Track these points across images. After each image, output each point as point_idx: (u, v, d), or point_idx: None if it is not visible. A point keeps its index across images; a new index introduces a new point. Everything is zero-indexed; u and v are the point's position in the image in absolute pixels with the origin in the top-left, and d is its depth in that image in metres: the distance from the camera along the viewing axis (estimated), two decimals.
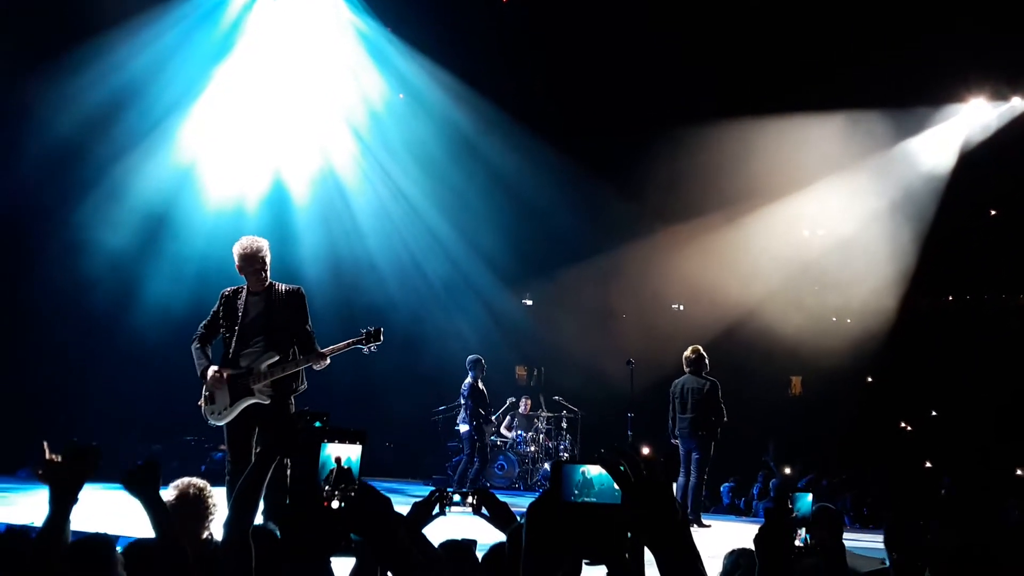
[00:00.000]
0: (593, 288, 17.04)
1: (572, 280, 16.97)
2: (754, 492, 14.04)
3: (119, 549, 3.72)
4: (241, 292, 7.04)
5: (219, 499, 4.70)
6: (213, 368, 6.88)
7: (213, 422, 6.91)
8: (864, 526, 12.59)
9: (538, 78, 15.20)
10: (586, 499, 2.15)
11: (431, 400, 15.38)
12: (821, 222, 17.19)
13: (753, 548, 2.85)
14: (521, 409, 15.72)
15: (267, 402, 6.86)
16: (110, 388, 13.72)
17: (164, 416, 13.92)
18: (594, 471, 2.19)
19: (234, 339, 6.92)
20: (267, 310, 6.98)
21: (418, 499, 3.87)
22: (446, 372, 14.46)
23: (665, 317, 17.67)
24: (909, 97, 15.38)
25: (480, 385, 12.80)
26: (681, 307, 18.24)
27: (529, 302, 18.62)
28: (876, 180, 16.08)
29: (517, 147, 15.62)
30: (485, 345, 15.68)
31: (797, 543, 3.37)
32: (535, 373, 18.07)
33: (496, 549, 3.76)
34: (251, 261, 6.95)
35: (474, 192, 16.14)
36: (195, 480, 4.65)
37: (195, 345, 7.06)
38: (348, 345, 7.20)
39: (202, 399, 6.91)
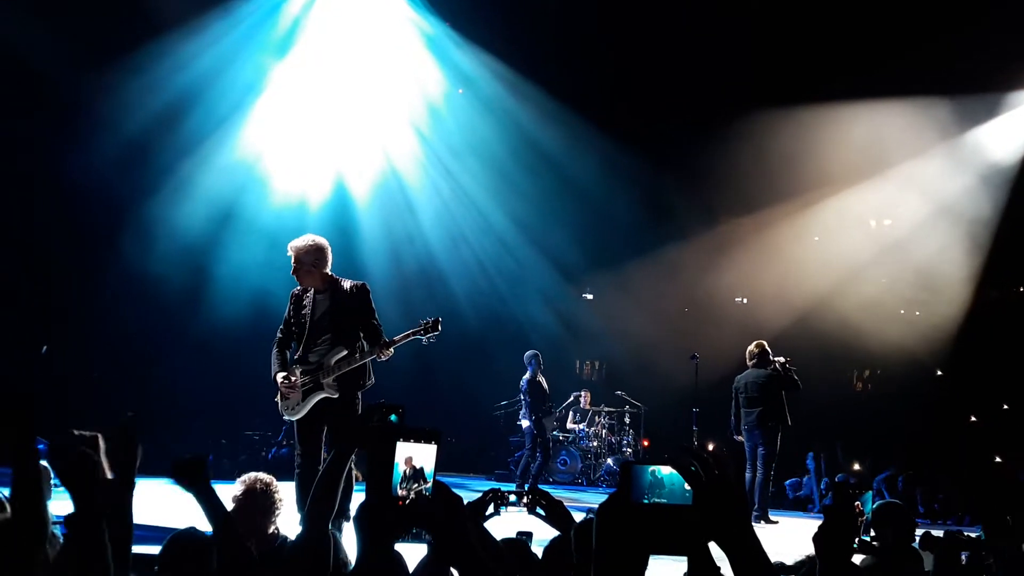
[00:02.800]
0: (655, 282, 16.89)
1: (634, 274, 16.85)
2: (817, 487, 13.84)
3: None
4: (308, 291, 7.14)
5: (285, 494, 4.74)
6: (281, 374, 7.04)
7: (287, 417, 7.14)
8: (934, 521, 12.36)
9: (598, 70, 15.08)
10: (656, 500, 2.13)
11: (493, 395, 15.40)
12: (888, 212, 16.86)
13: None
14: (581, 403, 15.65)
15: (335, 396, 6.96)
16: (177, 382, 13.98)
17: (229, 410, 14.15)
18: (664, 471, 2.17)
19: (304, 337, 7.06)
20: (333, 307, 7.07)
21: (475, 496, 3.85)
22: (508, 367, 14.45)
23: (729, 311, 17.47)
24: (976, 83, 14.98)
25: (540, 379, 12.74)
26: (745, 300, 18.02)
27: (590, 296, 18.53)
28: (944, 169, 15.70)
29: (578, 141, 15.53)
30: (547, 340, 15.67)
31: (858, 541, 3.29)
32: (596, 367, 18.00)
33: (555, 544, 3.72)
34: (312, 259, 7.06)
35: (534, 187, 16.09)
36: (262, 475, 4.70)
37: (273, 350, 7.23)
38: (408, 336, 7.21)
39: (277, 395, 7.10)
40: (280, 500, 4.67)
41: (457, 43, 15.11)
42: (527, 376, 12.73)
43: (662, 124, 15.55)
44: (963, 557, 4.69)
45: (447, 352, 14.53)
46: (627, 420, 15.62)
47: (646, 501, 2.12)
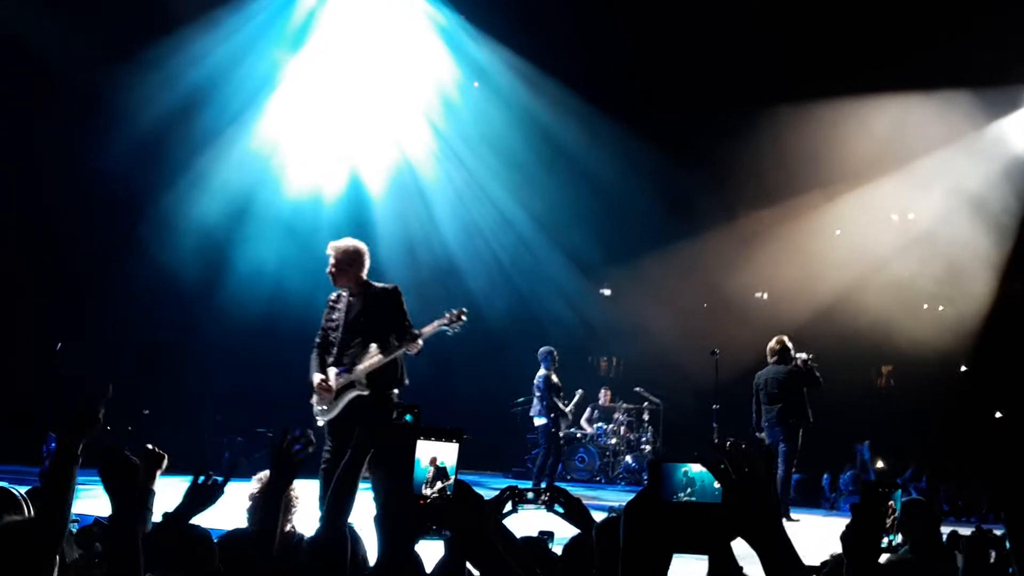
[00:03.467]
0: (674, 277, 16.77)
1: (652, 269, 16.72)
2: (840, 485, 13.71)
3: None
4: (343, 295, 7.36)
5: (302, 492, 4.69)
6: (319, 376, 7.22)
7: (321, 419, 7.25)
8: (958, 519, 12.23)
9: (616, 63, 14.98)
10: (686, 497, 2.10)
11: (509, 392, 15.30)
12: (910, 206, 16.69)
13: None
14: (600, 400, 15.55)
15: (366, 393, 7.09)
16: (192, 378, 13.99)
17: (243, 406, 14.13)
18: (695, 470, 2.17)
19: (339, 340, 7.26)
20: (365, 309, 7.26)
21: (493, 494, 3.80)
22: (525, 363, 14.37)
23: (748, 306, 17.33)
24: (999, 75, 14.83)
25: (554, 377, 12.65)
26: (765, 295, 17.88)
27: (607, 292, 18.43)
28: (967, 162, 15.56)
29: (596, 135, 15.45)
30: (564, 336, 15.57)
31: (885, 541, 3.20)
32: (614, 364, 17.91)
33: (575, 543, 3.65)
34: (350, 261, 7.24)
35: (551, 181, 16.02)
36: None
37: (312, 353, 7.40)
38: (435, 327, 7.38)
39: (313, 397, 7.27)
40: (297, 498, 4.64)
41: (472, 36, 15.05)
42: (542, 373, 12.63)
43: (681, 118, 15.45)
44: (992, 555, 4.59)
45: (463, 349, 14.46)
46: (646, 417, 15.51)
47: (676, 499, 2.10)
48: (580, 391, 14.48)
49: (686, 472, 2.17)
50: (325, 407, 7.19)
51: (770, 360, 10.84)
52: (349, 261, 7.21)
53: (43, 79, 12.61)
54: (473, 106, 15.66)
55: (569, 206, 16.30)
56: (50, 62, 12.27)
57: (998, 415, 17.34)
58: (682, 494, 2.11)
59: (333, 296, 7.41)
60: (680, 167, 15.94)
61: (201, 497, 3.44)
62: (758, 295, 17.99)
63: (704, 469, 2.16)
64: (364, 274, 7.31)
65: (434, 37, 15.12)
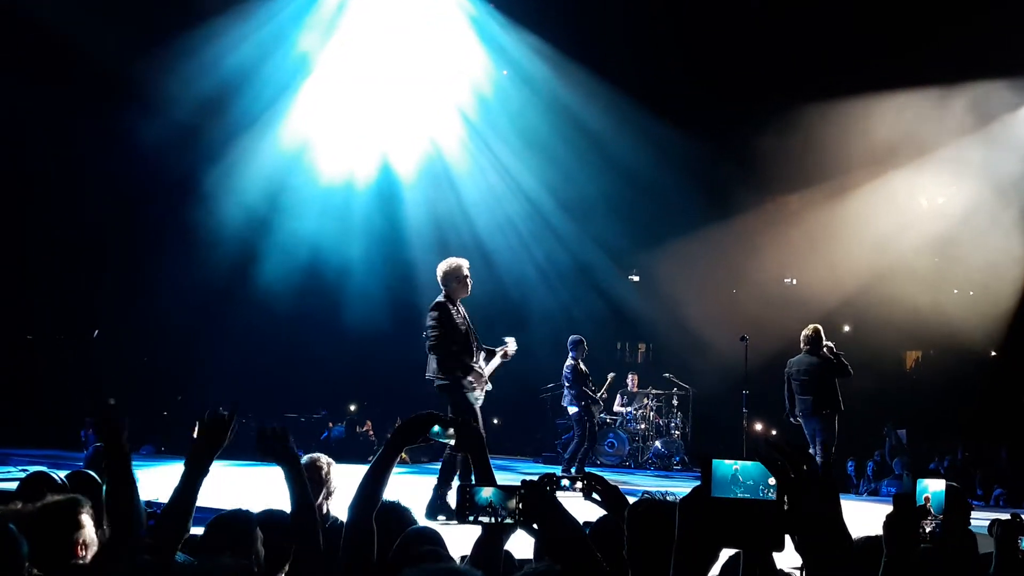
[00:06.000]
0: (702, 263, 16.76)
1: (681, 255, 16.70)
2: (868, 471, 13.68)
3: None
4: (455, 306, 8.25)
5: (339, 476, 4.77)
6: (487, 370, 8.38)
7: (475, 403, 8.20)
8: (987, 504, 12.19)
9: (645, 50, 14.91)
10: (741, 494, 2.13)
11: (539, 378, 15.35)
12: (940, 191, 16.55)
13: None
14: (629, 386, 15.57)
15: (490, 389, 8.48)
16: (223, 365, 14.13)
17: (274, 391, 14.28)
18: (745, 466, 2.16)
19: (470, 344, 8.22)
20: (468, 317, 8.37)
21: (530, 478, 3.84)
22: (555, 350, 14.42)
23: (777, 291, 17.28)
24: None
25: (582, 366, 12.72)
26: (794, 281, 17.80)
27: (636, 278, 18.42)
28: (997, 148, 15.40)
29: (624, 121, 15.37)
30: (593, 322, 15.60)
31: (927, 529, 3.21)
32: (643, 350, 17.91)
33: (604, 525, 3.68)
34: (464, 277, 8.28)
35: (580, 168, 16.00)
36: (323, 456, 4.77)
37: (463, 356, 8.16)
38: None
39: (476, 389, 8.21)
40: (330, 480, 4.71)
41: (501, 24, 15.02)
42: (570, 362, 12.70)
43: (710, 104, 15.37)
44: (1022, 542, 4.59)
45: (492, 335, 14.52)
46: (675, 402, 15.51)
47: (728, 495, 2.13)
48: (612, 374, 14.52)
49: (734, 467, 2.21)
50: (478, 400, 8.21)
51: (803, 347, 10.79)
52: (461, 275, 8.26)
53: (80, 68, 12.73)
54: (503, 94, 15.65)
55: (597, 193, 16.28)
56: (87, 52, 12.39)
57: None
58: (735, 490, 2.14)
59: (448, 306, 8.19)
60: (709, 153, 15.90)
61: (214, 435, 3.21)
62: (787, 281, 17.92)
63: (754, 465, 2.17)
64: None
65: (463, 25, 15.10)
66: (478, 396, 8.25)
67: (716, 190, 16.52)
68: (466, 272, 8.31)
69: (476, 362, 8.26)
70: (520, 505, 2.73)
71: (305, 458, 4.74)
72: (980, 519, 5.76)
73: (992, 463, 13.33)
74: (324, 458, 4.75)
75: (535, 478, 3.05)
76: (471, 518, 2.85)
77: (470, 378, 8.16)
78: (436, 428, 3.16)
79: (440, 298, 8.21)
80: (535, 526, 2.76)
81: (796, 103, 14.75)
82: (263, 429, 3.27)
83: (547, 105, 15.50)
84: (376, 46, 14.81)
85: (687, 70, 15.05)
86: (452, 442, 3.19)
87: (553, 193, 16.39)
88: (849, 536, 2.00)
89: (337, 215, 15.29)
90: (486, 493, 2.82)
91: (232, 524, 3.63)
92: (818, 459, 10.27)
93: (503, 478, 3.50)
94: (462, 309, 8.31)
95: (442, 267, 8.36)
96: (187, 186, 14.10)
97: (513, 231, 16.65)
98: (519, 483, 2.80)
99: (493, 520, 2.81)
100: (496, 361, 8.51)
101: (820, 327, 10.75)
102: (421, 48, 15.03)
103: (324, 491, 4.68)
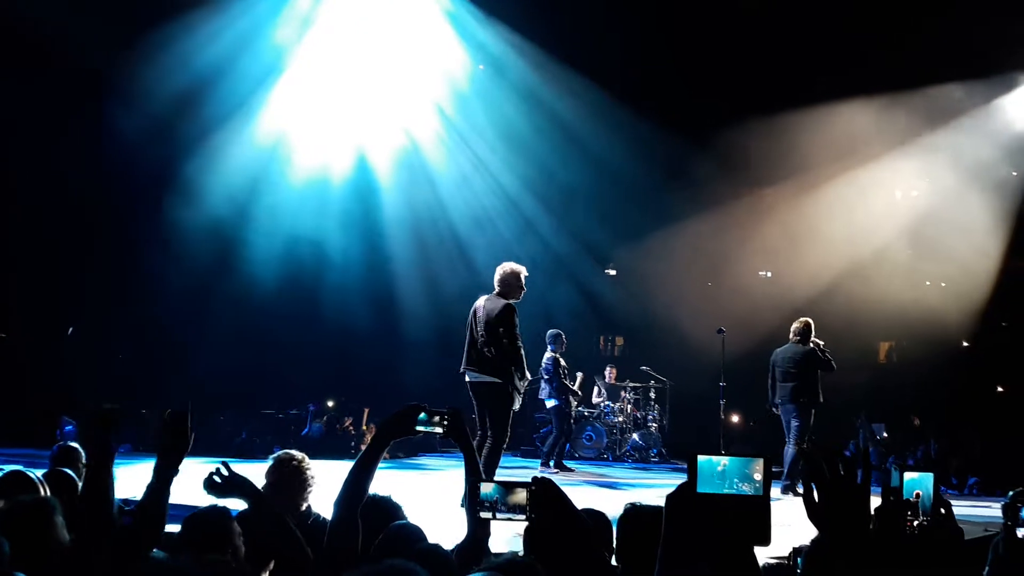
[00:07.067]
0: (678, 257, 16.82)
1: (657, 249, 16.76)
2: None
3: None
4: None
5: (317, 471, 4.77)
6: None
7: (516, 407, 8.51)
8: (961, 492, 12.35)
9: (620, 42, 14.93)
10: (723, 490, 2.16)
11: None
12: (913, 184, 16.70)
13: None
14: (607, 379, 15.63)
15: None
16: (201, 361, 14.05)
17: (256, 387, 14.22)
18: (729, 462, 2.20)
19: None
20: None
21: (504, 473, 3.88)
22: (533, 344, 14.45)
23: (753, 284, 17.39)
24: (1001, 64, 14.90)
25: (561, 359, 12.82)
26: (769, 274, 17.90)
27: (613, 272, 18.46)
28: (970, 139, 15.56)
29: (601, 116, 15.39)
30: (571, 316, 15.63)
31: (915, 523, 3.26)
32: (621, 343, 17.98)
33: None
34: (522, 283, 8.65)
35: (557, 163, 16.03)
36: (294, 452, 4.75)
37: (523, 366, 8.51)
38: None
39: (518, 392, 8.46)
40: (312, 477, 4.71)
41: (478, 18, 14.99)
42: (549, 355, 12.79)
43: (687, 98, 15.40)
44: None
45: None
46: (652, 395, 15.59)
47: (713, 491, 2.16)
48: (580, 373, 14.55)
49: (720, 464, 2.24)
50: (520, 402, 8.53)
51: (792, 339, 10.96)
52: (520, 281, 8.64)
53: (55, 62, 12.60)
54: (479, 89, 15.65)
55: (574, 187, 16.33)
56: (62, 46, 12.26)
57: (999, 390, 17.43)
58: (723, 485, 2.17)
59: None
60: (684, 147, 15.92)
61: (174, 435, 3.19)
62: (762, 274, 18.02)
63: (736, 461, 2.24)
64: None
65: (439, 19, 15.08)
66: (519, 401, 8.52)
67: (692, 184, 16.57)
68: (524, 279, 8.67)
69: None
70: (531, 500, 2.74)
71: (289, 452, 4.74)
72: (955, 508, 5.85)
73: (966, 452, 13.47)
74: (296, 454, 4.74)
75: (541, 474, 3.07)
76: (480, 513, 2.86)
77: (522, 384, 8.47)
78: (423, 417, 3.16)
79: (507, 300, 8.48)
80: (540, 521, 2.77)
81: (772, 98, 14.82)
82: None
83: (524, 99, 15.50)
84: (352, 40, 14.77)
85: (663, 65, 15.06)
86: (440, 431, 3.20)
87: (530, 187, 16.41)
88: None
89: (314, 209, 15.24)
90: (487, 489, 2.83)
91: (208, 521, 3.63)
92: (791, 446, 10.45)
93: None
94: None
95: (505, 269, 8.63)
96: (164, 181, 14.01)
97: (490, 225, 16.65)
98: (529, 479, 2.80)
99: (492, 516, 2.83)
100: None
101: (811, 321, 10.96)
102: (397, 42, 14.99)
103: (304, 487, 4.67)
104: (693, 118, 15.71)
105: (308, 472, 4.69)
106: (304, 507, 4.67)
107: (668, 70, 15.14)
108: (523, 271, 8.67)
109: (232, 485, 3.63)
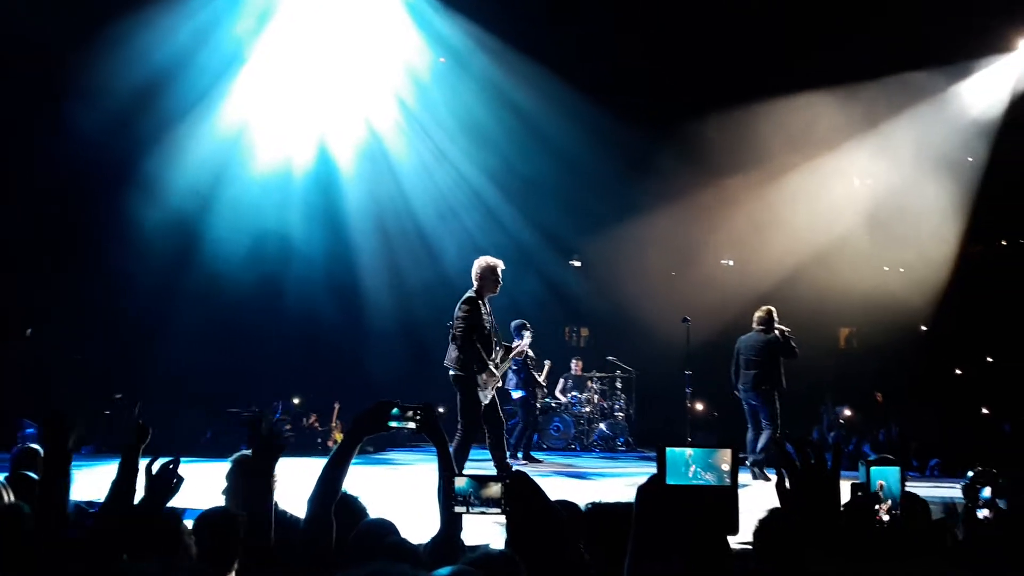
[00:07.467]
0: (642, 247, 16.89)
1: (621, 240, 16.81)
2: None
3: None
4: (483, 303, 8.73)
5: (284, 469, 4.71)
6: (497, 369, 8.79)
7: (484, 402, 8.69)
8: (922, 474, 12.54)
9: (580, 33, 14.93)
10: (691, 480, 2.18)
11: None
12: (872, 171, 16.89)
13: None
14: (573, 370, 15.69)
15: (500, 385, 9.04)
16: (164, 360, 13.94)
17: (219, 385, 14.10)
18: (697, 453, 2.22)
19: (491, 342, 8.77)
20: (492, 316, 8.88)
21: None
22: (505, 337, 14.47)
23: (716, 273, 17.52)
24: (956, 53, 15.09)
25: (529, 351, 12.83)
26: (731, 263, 18.04)
27: (577, 264, 18.51)
28: (926, 127, 15.76)
29: (561, 106, 15.39)
30: (536, 308, 15.64)
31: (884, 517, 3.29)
32: (586, 334, 18.04)
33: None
34: (498, 276, 8.79)
35: (520, 155, 16.01)
36: (248, 451, 4.70)
37: (479, 348, 8.60)
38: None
39: (486, 384, 8.68)
40: (275, 477, 4.65)
41: (437, 9, 14.93)
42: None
43: (648, 89, 15.46)
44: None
45: (437, 323, 14.50)
46: (619, 385, 15.68)
47: (682, 481, 2.18)
48: (547, 362, 14.60)
49: (688, 455, 2.26)
50: (487, 395, 8.68)
51: (755, 327, 11.07)
52: (495, 276, 8.80)
53: (10, 60, 12.40)
54: (441, 81, 15.59)
55: (537, 179, 16.32)
56: (16, 44, 12.07)
57: (958, 372, 17.71)
58: (690, 475, 2.20)
59: (478, 301, 8.69)
60: (647, 138, 15.96)
61: (159, 487, 3.32)
62: (725, 262, 18.16)
63: (704, 451, 2.27)
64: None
65: (399, 11, 15.00)
66: (487, 394, 8.67)
67: (655, 175, 16.63)
68: (500, 272, 8.80)
69: (494, 360, 8.70)
70: (506, 494, 2.75)
71: (237, 456, 4.71)
72: (916, 489, 5.96)
73: (926, 434, 13.67)
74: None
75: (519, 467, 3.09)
76: (456, 508, 2.88)
77: (484, 376, 8.57)
78: (396, 413, 3.17)
79: (471, 293, 8.67)
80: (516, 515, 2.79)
81: (733, 89, 14.93)
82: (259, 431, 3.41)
83: (485, 91, 15.46)
84: (312, 31, 14.65)
85: (624, 56, 15.10)
86: (413, 426, 3.20)
87: (494, 179, 16.39)
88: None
89: (277, 202, 15.14)
90: (460, 483, 2.85)
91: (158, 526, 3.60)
92: (766, 432, 10.59)
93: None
94: (488, 307, 8.79)
95: (479, 264, 8.84)
96: (125, 177, 13.84)
97: (453, 217, 16.63)
98: (498, 473, 2.83)
99: (466, 510, 2.84)
100: (508, 358, 9.17)
101: (773, 309, 11.07)
102: (357, 34, 14.89)
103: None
104: (655, 109, 15.77)
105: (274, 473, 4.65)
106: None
107: (629, 62, 15.17)
108: (499, 264, 8.80)
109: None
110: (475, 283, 8.77)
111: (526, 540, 2.68)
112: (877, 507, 3.13)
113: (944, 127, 15.81)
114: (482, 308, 8.67)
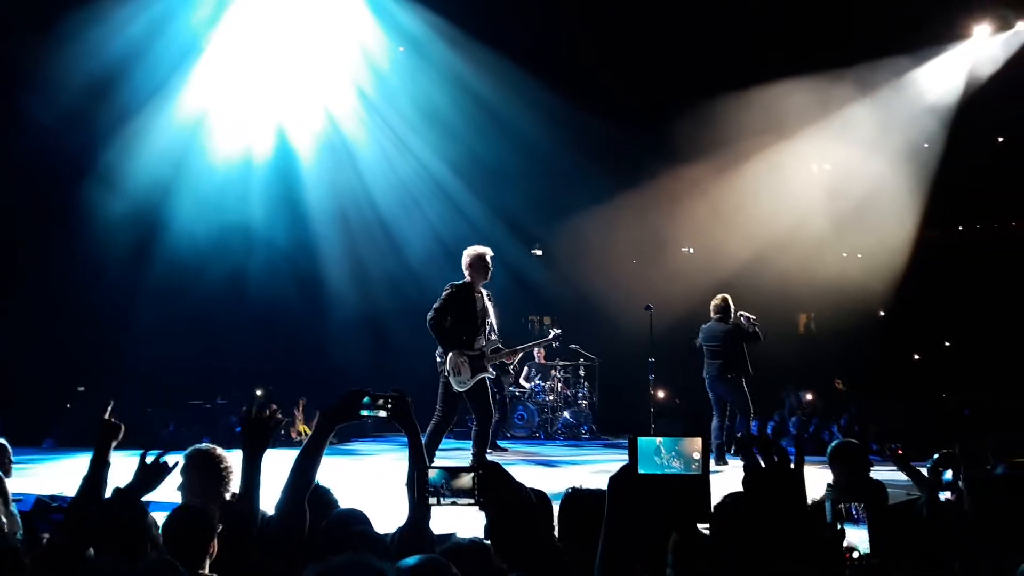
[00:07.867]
0: (603, 235, 16.93)
1: (583, 229, 16.84)
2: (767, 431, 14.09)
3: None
4: (469, 288, 8.84)
5: (232, 460, 4.70)
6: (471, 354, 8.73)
7: (458, 388, 8.69)
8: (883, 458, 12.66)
9: (541, 21, 14.95)
10: (663, 468, 2.21)
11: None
12: (829, 157, 17.05)
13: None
14: (536, 359, 15.73)
15: (493, 375, 9.08)
16: (126, 352, 13.81)
17: (181, 378, 14.00)
18: (668, 442, 2.25)
19: (475, 330, 8.80)
20: (486, 305, 8.98)
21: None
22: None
23: (676, 261, 17.61)
24: (913, 38, 15.26)
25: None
26: (691, 250, 18.15)
27: (539, 253, 18.52)
28: (882, 113, 15.93)
29: (521, 95, 15.36)
30: (499, 296, 15.59)
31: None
32: (549, 323, 18.06)
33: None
34: (486, 264, 8.92)
35: (481, 144, 15.96)
36: (200, 445, 4.72)
37: (451, 341, 8.69)
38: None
39: (449, 371, 8.67)
40: (228, 467, 4.63)
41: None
42: None
43: (609, 79, 15.48)
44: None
45: (400, 312, 14.49)
46: (582, 373, 15.72)
47: (653, 470, 2.21)
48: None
49: (659, 444, 2.28)
50: (463, 381, 8.66)
51: (713, 317, 11.15)
52: (485, 264, 8.96)
53: None
54: (400, 70, 15.53)
55: (499, 168, 16.30)
56: None
57: (916, 357, 17.96)
58: (661, 464, 2.22)
59: (457, 286, 8.82)
60: (607, 127, 15.98)
61: (151, 476, 3.49)
62: (685, 250, 18.27)
63: (674, 440, 2.32)
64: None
65: (358, 0, 14.93)
66: (463, 381, 8.69)
67: (614, 163, 16.69)
68: (489, 260, 8.96)
69: (475, 349, 8.72)
70: (479, 484, 2.77)
71: (199, 447, 4.68)
72: (877, 473, 6.05)
73: (886, 419, 13.84)
74: (202, 446, 4.67)
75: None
76: (433, 500, 2.88)
77: (453, 357, 8.64)
78: (367, 401, 3.17)
79: (460, 281, 8.89)
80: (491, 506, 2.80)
81: (694, 78, 15.00)
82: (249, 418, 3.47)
83: (446, 80, 15.41)
84: (270, 20, 14.54)
85: (585, 45, 15.14)
86: (384, 415, 3.20)
87: (455, 168, 16.34)
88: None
89: (238, 193, 15.00)
90: (431, 474, 2.85)
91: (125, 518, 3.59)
92: (738, 419, 10.69)
93: None
94: (484, 295, 8.99)
95: (468, 253, 9.00)
96: (82, 168, 13.66)
97: (415, 206, 16.58)
98: (470, 464, 2.84)
99: (437, 501, 2.85)
100: (504, 353, 9.24)
101: (729, 296, 11.15)
102: (315, 23, 14.80)
103: (223, 479, 4.62)
104: (617, 98, 15.80)
105: (223, 463, 4.63)
106: (228, 497, 4.62)
107: (590, 50, 15.20)
108: (487, 252, 8.99)
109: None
110: (465, 272, 8.93)
111: (502, 530, 2.69)
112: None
113: (901, 113, 15.98)
114: (473, 296, 8.86)
